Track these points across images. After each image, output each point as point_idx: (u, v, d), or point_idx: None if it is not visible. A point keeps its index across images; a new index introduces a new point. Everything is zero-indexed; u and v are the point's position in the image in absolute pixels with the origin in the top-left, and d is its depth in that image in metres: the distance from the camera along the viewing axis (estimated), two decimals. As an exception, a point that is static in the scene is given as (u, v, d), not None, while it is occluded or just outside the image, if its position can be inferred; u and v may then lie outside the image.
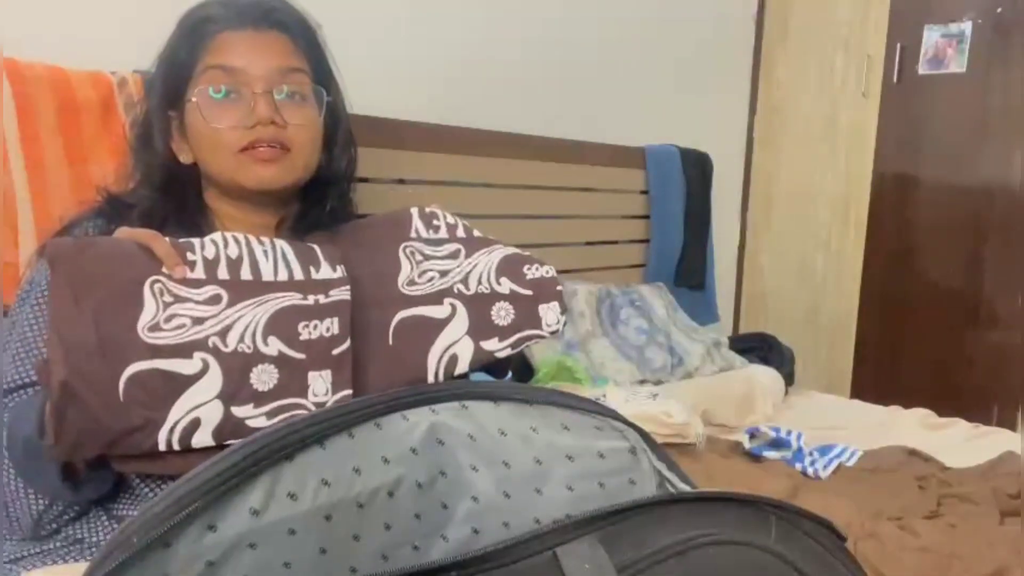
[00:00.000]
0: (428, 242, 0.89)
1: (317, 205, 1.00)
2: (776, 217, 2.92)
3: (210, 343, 0.72)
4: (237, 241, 0.78)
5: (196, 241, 0.77)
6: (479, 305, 0.83)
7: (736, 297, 3.00)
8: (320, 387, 0.75)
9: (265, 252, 0.79)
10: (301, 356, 0.75)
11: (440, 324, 0.81)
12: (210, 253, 0.76)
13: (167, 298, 0.72)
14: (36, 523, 0.81)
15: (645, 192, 2.35)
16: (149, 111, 0.97)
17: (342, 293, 0.79)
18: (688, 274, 2.45)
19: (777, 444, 1.61)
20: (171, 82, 0.93)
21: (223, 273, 0.75)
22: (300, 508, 0.50)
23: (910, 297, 2.65)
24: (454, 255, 0.87)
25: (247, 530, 0.48)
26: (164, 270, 0.73)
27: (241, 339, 0.73)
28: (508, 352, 0.82)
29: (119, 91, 1.26)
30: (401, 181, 1.75)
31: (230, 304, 0.74)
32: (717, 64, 2.76)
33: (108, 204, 0.95)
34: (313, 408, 0.74)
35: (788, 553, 0.55)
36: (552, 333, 0.84)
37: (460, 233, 0.90)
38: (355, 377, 0.78)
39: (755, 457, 1.57)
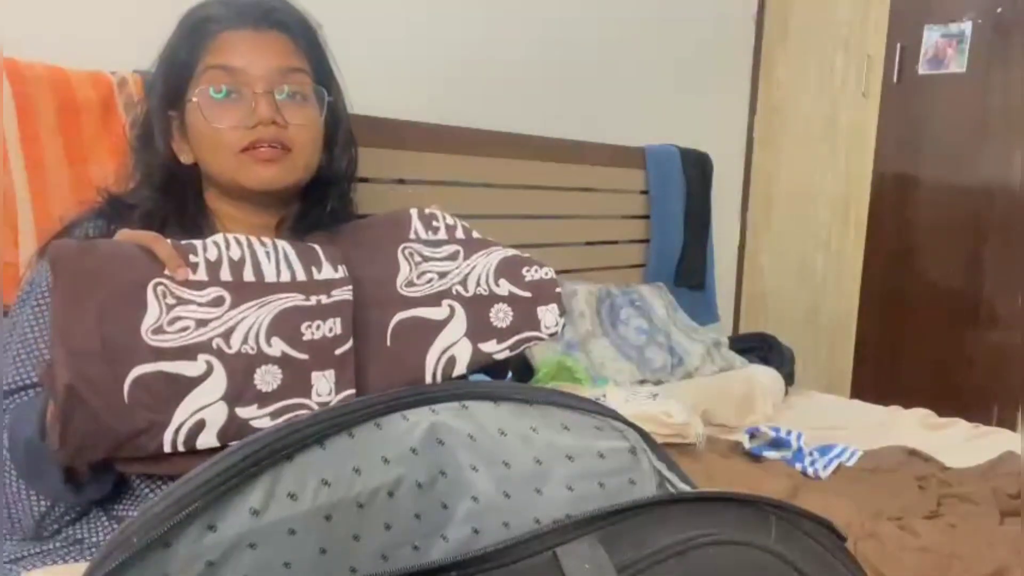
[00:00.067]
0: (427, 243, 0.89)
1: (317, 205, 1.00)
2: (776, 217, 2.92)
3: (214, 345, 0.72)
4: (239, 242, 0.78)
5: (198, 243, 0.77)
6: (477, 307, 0.83)
7: (736, 297, 3.00)
8: (324, 387, 0.75)
9: (267, 253, 0.79)
10: (304, 356, 0.75)
11: (438, 326, 0.81)
12: (212, 255, 0.76)
13: (170, 300, 0.72)
14: (38, 524, 0.81)
15: (645, 192, 2.35)
16: (149, 111, 0.97)
17: (344, 293, 0.79)
18: (688, 274, 2.45)
19: (777, 444, 1.61)
20: (172, 82, 0.93)
21: (226, 275, 0.76)
22: (300, 508, 0.50)
23: (910, 297, 2.65)
24: (453, 256, 0.87)
25: (247, 530, 0.48)
26: (166, 272, 0.74)
27: (245, 340, 0.73)
28: (507, 354, 0.82)
29: (119, 91, 1.26)
30: (401, 181, 1.75)
31: (233, 306, 0.74)
32: (717, 64, 2.76)
33: (108, 204, 0.95)
34: (317, 408, 0.74)
35: (788, 553, 0.55)
36: (551, 335, 0.84)
37: (459, 234, 0.90)
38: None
39: (755, 457, 1.57)
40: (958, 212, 2.54)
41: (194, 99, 0.90)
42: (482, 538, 0.54)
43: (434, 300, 0.83)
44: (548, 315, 0.84)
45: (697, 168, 2.45)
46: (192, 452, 0.70)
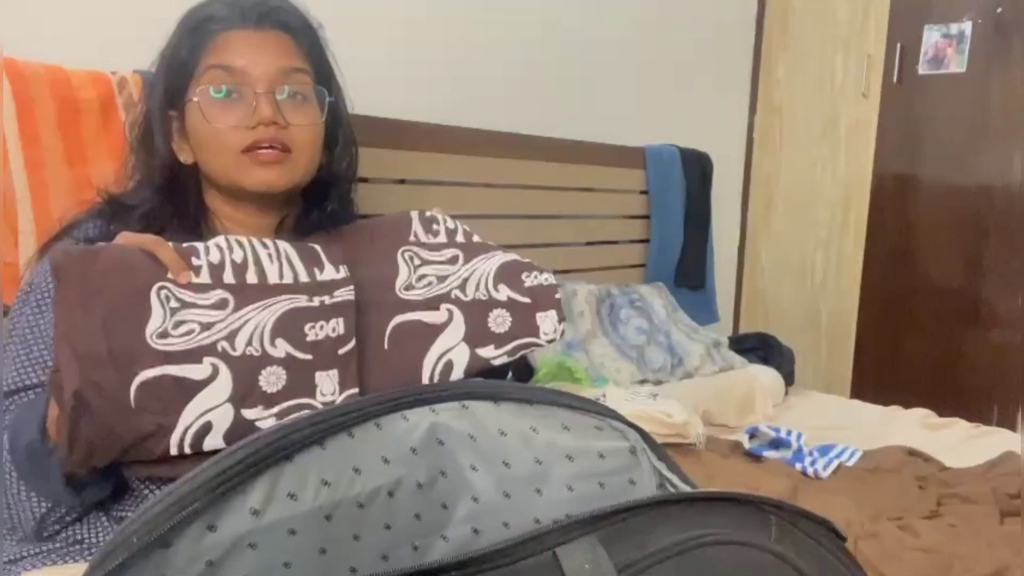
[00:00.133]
0: (427, 246, 0.89)
1: (318, 206, 1.00)
2: (776, 217, 2.92)
3: (219, 348, 0.72)
4: (241, 245, 0.78)
5: (200, 246, 0.77)
6: (476, 312, 0.83)
7: (736, 297, 3.00)
8: (328, 387, 0.76)
9: (269, 255, 0.79)
10: (308, 357, 0.75)
11: (436, 330, 0.81)
12: (215, 258, 0.76)
13: (173, 304, 0.72)
14: (38, 525, 0.81)
15: (645, 192, 2.35)
16: (149, 110, 0.96)
17: (346, 294, 0.79)
18: (688, 274, 2.45)
19: (777, 444, 1.61)
20: (172, 81, 0.93)
21: (229, 277, 0.76)
22: (300, 508, 0.50)
23: (910, 297, 2.65)
24: (453, 260, 0.87)
25: (247, 530, 0.48)
26: (169, 276, 0.74)
27: (249, 342, 0.73)
28: (504, 360, 0.82)
29: (119, 91, 1.26)
30: (401, 181, 1.75)
31: (237, 308, 0.74)
32: (717, 64, 2.76)
33: (108, 205, 0.95)
34: (321, 408, 0.74)
35: (788, 553, 0.55)
36: (549, 342, 0.84)
37: (459, 238, 0.90)
38: None
39: (755, 457, 1.57)
40: (958, 212, 2.54)
41: (195, 99, 0.90)
42: (482, 538, 0.54)
43: (433, 304, 0.83)
44: (547, 322, 0.84)
45: (697, 168, 2.45)
46: (198, 454, 0.70)
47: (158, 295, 0.72)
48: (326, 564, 0.50)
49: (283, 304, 0.76)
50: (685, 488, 0.63)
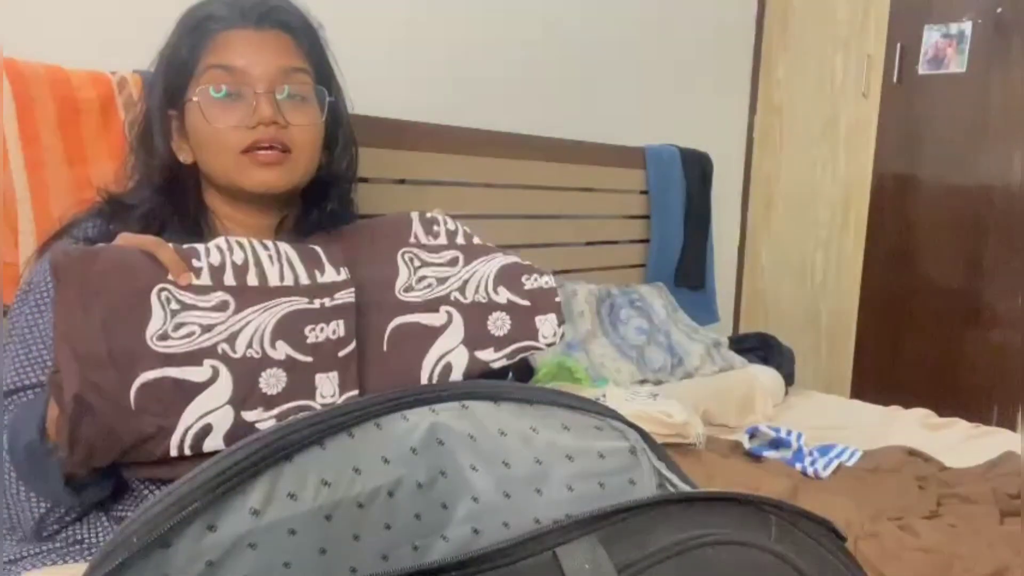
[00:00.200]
0: (427, 248, 0.88)
1: (318, 206, 1.00)
2: (776, 217, 2.92)
3: (219, 350, 0.72)
4: (242, 246, 0.78)
5: (201, 247, 0.77)
6: (475, 314, 0.82)
7: (736, 297, 3.00)
8: (328, 389, 0.76)
9: (270, 257, 0.79)
10: (308, 359, 0.75)
11: (435, 332, 0.81)
12: (215, 259, 0.76)
13: (174, 306, 0.72)
14: (38, 525, 0.81)
15: (645, 192, 2.35)
16: (148, 110, 0.96)
17: (347, 296, 0.79)
18: (688, 274, 2.45)
19: (777, 444, 1.61)
20: (171, 81, 0.93)
21: (229, 279, 0.76)
22: (300, 508, 0.50)
23: (910, 297, 2.65)
24: (452, 262, 0.87)
25: (247, 530, 0.48)
26: (170, 277, 0.74)
27: (250, 344, 0.73)
28: (503, 363, 0.82)
29: (119, 91, 1.26)
30: (401, 181, 1.75)
31: (237, 310, 0.74)
32: (717, 64, 2.76)
33: (107, 204, 0.94)
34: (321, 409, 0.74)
35: (788, 553, 0.55)
36: (548, 346, 0.84)
37: (460, 240, 0.90)
38: None
39: (755, 457, 1.57)
40: (958, 212, 2.54)
41: (194, 99, 0.90)
42: (482, 538, 0.54)
43: (432, 306, 0.83)
44: (546, 325, 0.83)
45: (697, 168, 2.45)
46: (198, 456, 0.70)
47: (158, 297, 0.72)
48: (326, 564, 0.50)
49: (284, 306, 0.76)
50: (685, 488, 0.63)
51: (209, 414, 0.70)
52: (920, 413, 1.95)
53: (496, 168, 1.95)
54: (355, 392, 0.77)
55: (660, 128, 2.45)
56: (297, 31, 0.95)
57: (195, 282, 0.74)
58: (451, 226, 0.91)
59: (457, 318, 0.82)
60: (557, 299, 0.85)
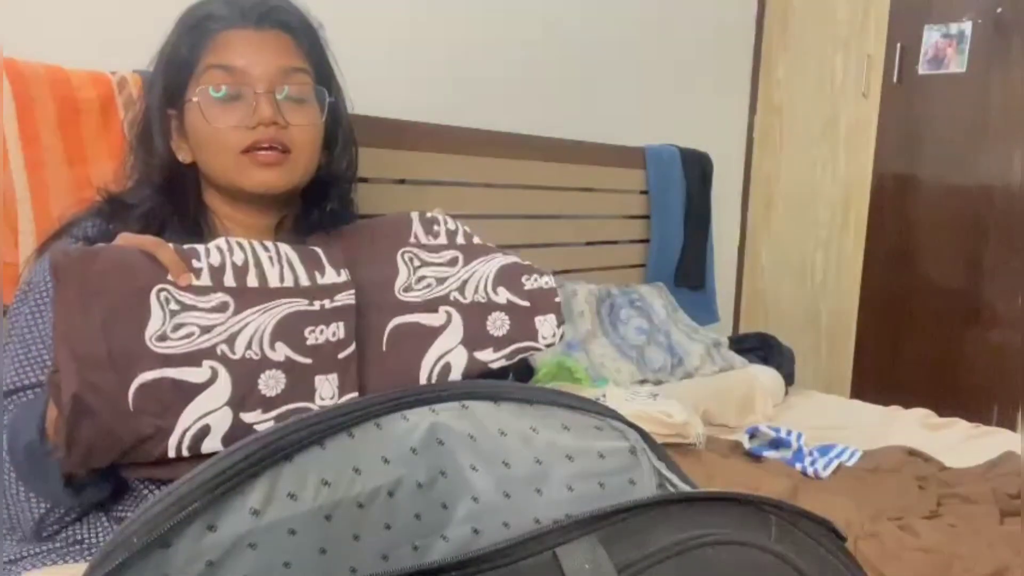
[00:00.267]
0: (427, 248, 0.88)
1: (318, 206, 1.00)
2: (776, 217, 2.92)
3: (218, 351, 0.72)
4: (242, 247, 0.78)
5: (201, 248, 0.77)
6: (475, 314, 0.82)
7: (736, 297, 3.00)
8: (327, 391, 0.76)
9: (270, 258, 0.79)
10: (308, 361, 0.75)
11: (434, 332, 0.81)
12: (215, 260, 0.76)
13: (173, 306, 0.72)
14: (38, 525, 0.81)
15: (645, 192, 2.35)
16: (148, 109, 0.96)
17: (347, 298, 0.79)
18: (688, 274, 2.45)
19: (777, 444, 1.61)
20: (171, 80, 0.93)
21: (229, 280, 0.75)
22: (300, 508, 0.50)
23: (910, 297, 2.65)
24: (452, 262, 0.87)
25: (247, 530, 0.48)
26: (169, 278, 0.73)
27: (249, 346, 0.73)
28: (503, 363, 0.82)
29: (119, 91, 1.26)
30: (401, 181, 1.75)
31: (237, 311, 0.74)
32: (717, 64, 2.76)
33: (107, 204, 0.94)
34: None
35: (788, 553, 0.55)
36: (547, 346, 0.84)
37: (460, 240, 0.90)
38: None
39: (755, 457, 1.57)
40: (958, 212, 2.54)
41: (194, 99, 0.90)
42: (482, 538, 0.54)
43: (431, 306, 0.83)
44: (545, 325, 0.83)
45: (697, 168, 2.45)
46: (196, 457, 0.70)
47: (158, 297, 0.72)
48: (326, 564, 0.50)
49: (283, 308, 0.76)
50: (685, 488, 0.63)
51: (208, 415, 0.70)
52: (920, 413, 1.95)
53: (496, 168, 1.95)
54: (354, 395, 0.77)
55: (660, 128, 2.45)
56: (297, 31, 0.94)
57: (195, 283, 0.74)
58: (451, 226, 0.91)
59: (456, 318, 0.82)
60: (557, 299, 0.84)
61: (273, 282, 0.77)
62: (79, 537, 0.84)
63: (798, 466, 1.53)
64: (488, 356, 0.81)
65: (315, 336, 0.76)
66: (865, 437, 1.73)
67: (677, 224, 2.41)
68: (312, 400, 0.75)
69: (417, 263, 0.86)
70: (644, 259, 2.39)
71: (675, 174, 2.39)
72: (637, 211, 2.35)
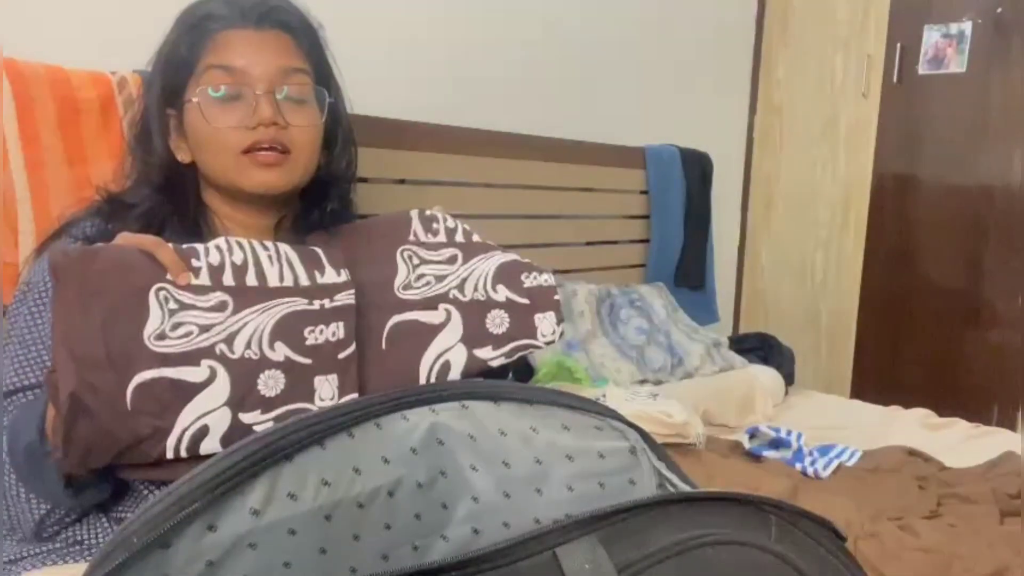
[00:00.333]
0: (426, 246, 0.88)
1: (317, 206, 1.00)
2: (776, 217, 2.92)
3: (217, 350, 0.72)
4: (241, 247, 0.78)
5: (200, 247, 0.77)
6: (474, 312, 0.82)
7: (736, 297, 3.00)
8: (327, 391, 0.75)
9: (270, 257, 0.78)
10: (307, 361, 0.75)
11: (434, 330, 0.81)
12: (215, 259, 0.76)
13: (172, 305, 0.72)
14: (38, 526, 0.81)
15: (645, 192, 2.35)
16: (147, 108, 0.96)
17: (347, 298, 0.79)
18: (688, 274, 2.45)
19: (777, 444, 1.61)
20: (170, 80, 0.93)
21: (228, 279, 0.75)
22: (300, 508, 0.50)
23: (910, 297, 2.65)
24: (451, 260, 0.87)
25: (247, 530, 0.48)
26: (168, 277, 0.73)
27: (248, 345, 0.73)
28: (502, 361, 0.82)
29: (119, 91, 1.26)
30: (401, 181, 1.75)
31: (236, 311, 0.74)
32: (717, 64, 2.76)
33: (106, 203, 0.94)
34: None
35: (788, 553, 0.55)
36: (547, 344, 0.84)
37: (459, 238, 0.90)
38: None
39: (755, 457, 1.57)
40: (958, 212, 2.54)
41: (194, 99, 0.90)
42: (482, 538, 0.54)
43: (430, 304, 0.83)
44: (545, 323, 0.83)
45: (697, 168, 2.45)
46: (195, 458, 0.70)
47: (157, 296, 0.72)
48: (326, 564, 0.50)
49: (283, 307, 0.76)
50: (685, 488, 0.63)
51: (206, 415, 0.70)
52: (920, 413, 1.95)
53: (496, 168, 1.95)
54: (355, 395, 0.77)
55: (660, 128, 2.45)
56: (297, 31, 0.94)
57: (194, 282, 0.74)
58: (451, 224, 0.91)
59: (456, 316, 0.82)
60: (556, 297, 0.84)
61: (272, 281, 0.77)
62: (79, 538, 0.84)
63: (798, 466, 1.52)
64: (488, 354, 0.81)
65: (315, 336, 0.76)
66: (865, 437, 1.73)
67: (677, 224, 2.41)
68: (312, 401, 0.75)
69: (416, 261, 0.86)
70: (644, 259, 2.39)
71: (675, 174, 2.39)
72: (637, 211, 2.35)
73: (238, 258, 0.77)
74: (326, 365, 0.76)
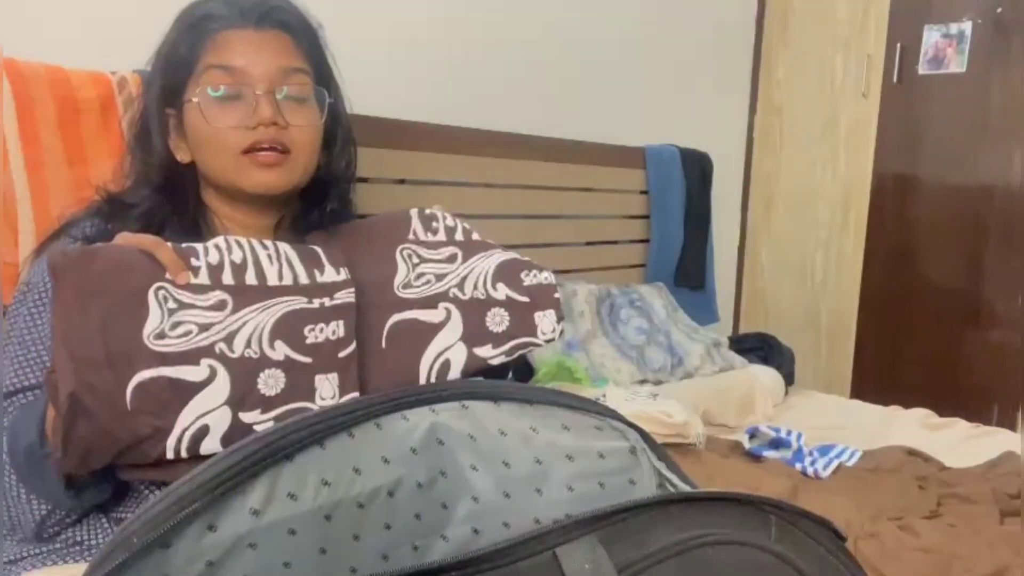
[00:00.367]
0: (426, 244, 0.88)
1: (317, 206, 1.00)
2: (776, 217, 2.92)
3: (217, 349, 0.71)
4: (241, 246, 0.78)
5: (199, 246, 0.77)
6: (474, 311, 0.82)
7: (736, 297, 3.00)
8: (327, 390, 0.75)
9: (269, 256, 0.78)
10: (308, 360, 0.75)
11: (434, 329, 0.81)
12: (214, 259, 0.76)
13: (171, 305, 0.72)
14: (38, 527, 0.81)
15: (645, 192, 2.35)
16: (146, 108, 0.96)
17: (347, 296, 0.79)
18: (688, 274, 2.45)
19: (777, 444, 1.61)
20: (170, 80, 0.93)
21: (228, 278, 0.75)
22: (300, 508, 0.50)
23: (910, 297, 2.65)
24: (451, 259, 0.87)
25: (247, 530, 0.48)
26: (168, 276, 0.73)
27: (248, 344, 0.73)
28: (502, 359, 0.82)
29: (119, 91, 1.26)
30: (401, 181, 1.75)
31: (235, 309, 0.74)
32: (717, 64, 2.76)
33: (106, 203, 0.94)
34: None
35: (788, 553, 0.55)
36: (547, 342, 0.84)
37: (459, 236, 0.90)
38: None
39: (755, 457, 1.57)
40: (958, 212, 2.54)
41: (194, 99, 0.90)
42: (482, 538, 0.54)
43: (430, 303, 0.82)
44: (545, 321, 0.83)
45: (697, 168, 2.45)
46: (195, 459, 0.69)
47: (156, 296, 0.72)
48: (326, 564, 0.50)
49: (282, 306, 0.76)
50: (685, 488, 0.63)
51: (206, 415, 0.70)
52: (920, 413, 1.95)
53: (496, 168, 1.95)
54: (355, 394, 0.77)
55: (660, 128, 2.45)
56: (297, 31, 0.94)
57: (193, 281, 0.74)
58: (450, 222, 0.91)
59: (456, 314, 0.82)
60: (556, 295, 0.84)
61: (272, 280, 0.77)
62: (79, 538, 0.84)
63: (798, 466, 1.52)
64: (488, 352, 0.81)
65: (315, 335, 0.76)
66: (865, 437, 1.73)
67: (677, 224, 2.41)
68: (312, 400, 0.74)
69: (416, 260, 0.86)
70: (644, 259, 2.39)
71: (675, 174, 2.39)
72: (637, 211, 2.35)
73: (237, 257, 0.77)
74: (326, 364, 0.76)
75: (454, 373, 0.80)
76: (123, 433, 0.68)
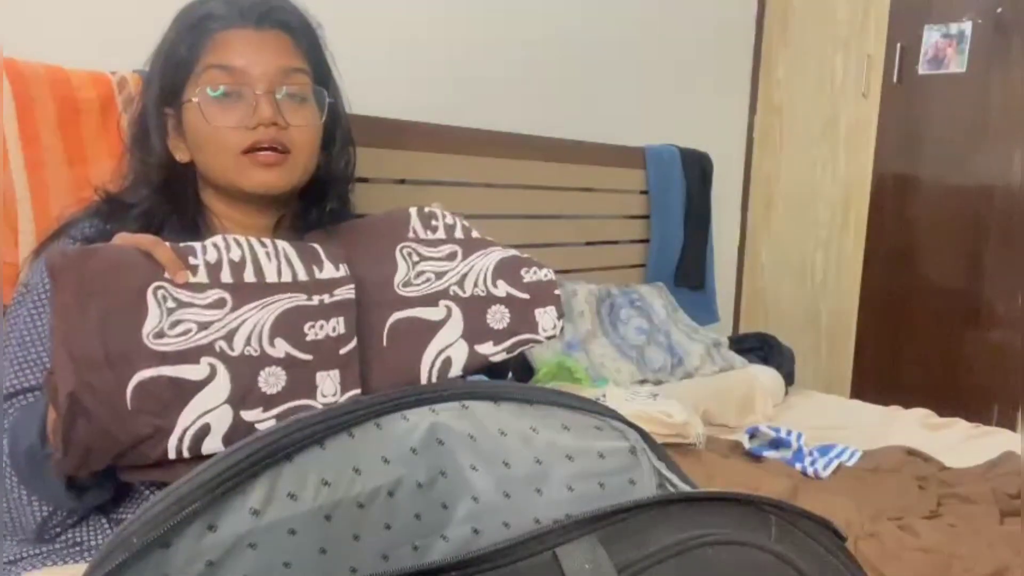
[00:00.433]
0: (425, 243, 0.88)
1: (316, 205, 1.00)
2: (776, 217, 2.92)
3: (217, 348, 0.71)
4: (239, 244, 0.78)
5: (197, 245, 0.77)
6: (474, 308, 0.82)
7: (736, 297, 3.00)
8: (329, 387, 0.75)
9: (268, 254, 0.78)
10: (308, 357, 0.75)
11: (434, 326, 0.81)
12: (212, 257, 0.76)
13: (170, 304, 0.72)
14: (39, 528, 0.81)
15: (645, 192, 2.35)
16: (145, 108, 0.96)
17: (347, 292, 0.79)
18: (688, 274, 2.45)
19: (777, 444, 1.61)
20: (169, 79, 0.93)
21: (226, 277, 0.75)
22: (300, 508, 0.50)
23: (910, 297, 2.65)
24: (451, 256, 0.87)
25: (247, 530, 0.48)
26: (166, 275, 0.73)
27: (248, 342, 0.72)
28: (503, 356, 0.82)
29: (119, 91, 1.26)
30: (401, 181, 1.75)
31: (235, 307, 0.74)
32: (717, 64, 2.76)
33: (105, 203, 0.94)
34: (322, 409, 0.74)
35: (788, 553, 0.55)
36: (548, 338, 0.84)
37: (458, 234, 0.90)
38: None
39: (755, 457, 1.57)
40: (958, 212, 2.54)
41: (194, 99, 0.90)
42: (482, 538, 0.54)
43: (431, 300, 0.83)
44: (545, 317, 0.83)
45: (697, 168, 2.45)
46: (196, 459, 0.69)
47: (155, 295, 0.71)
48: (326, 564, 0.50)
49: (282, 303, 0.75)
50: (685, 488, 0.63)
51: (207, 414, 0.70)
52: (920, 413, 1.95)
53: (496, 168, 1.95)
54: (357, 391, 0.76)
55: (660, 128, 2.45)
56: (296, 31, 0.94)
57: (192, 280, 0.74)
58: (449, 220, 0.91)
59: (456, 312, 0.82)
60: (556, 291, 0.84)
61: (271, 277, 0.77)
62: (79, 539, 0.84)
63: (798, 466, 1.52)
64: (489, 349, 0.81)
65: (315, 332, 0.75)
66: (865, 437, 1.73)
67: (677, 224, 2.41)
68: (314, 397, 0.74)
69: (416, 258, 0.86)
70: (644, 259, 2.39)
71: (675, 174, 2.39)
72: (637, 211, 2.35)
73: (236, 255, 0.77)
74: (327, 361, 0.76)
75: (455, 371, 0.80)
76: (123, 433, 0.68)
